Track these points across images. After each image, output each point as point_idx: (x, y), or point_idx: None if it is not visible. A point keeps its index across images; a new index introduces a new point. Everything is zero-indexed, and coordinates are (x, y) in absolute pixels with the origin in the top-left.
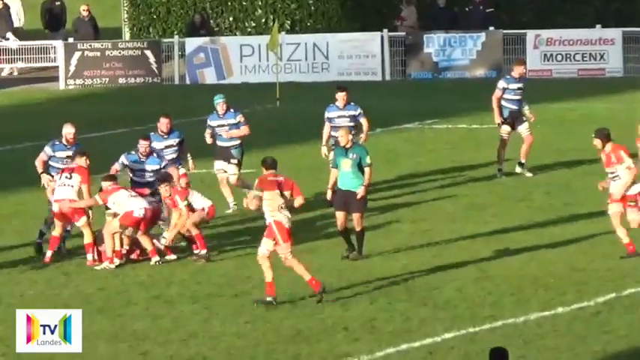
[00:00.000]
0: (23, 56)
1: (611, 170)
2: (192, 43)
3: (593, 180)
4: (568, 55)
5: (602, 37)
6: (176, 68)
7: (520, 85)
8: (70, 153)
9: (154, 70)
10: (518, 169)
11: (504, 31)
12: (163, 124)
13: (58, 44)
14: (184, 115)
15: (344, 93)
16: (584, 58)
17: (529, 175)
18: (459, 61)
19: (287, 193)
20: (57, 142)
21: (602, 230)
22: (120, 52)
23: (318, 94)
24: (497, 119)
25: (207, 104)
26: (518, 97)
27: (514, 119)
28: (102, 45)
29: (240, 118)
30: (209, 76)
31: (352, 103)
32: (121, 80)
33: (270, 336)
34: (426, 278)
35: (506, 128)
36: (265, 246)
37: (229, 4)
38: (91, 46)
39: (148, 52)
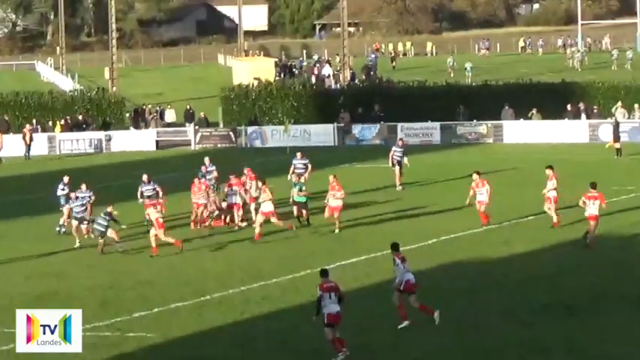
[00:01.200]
0: (175, 136)
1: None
2: (250, 128)
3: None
4: (416, 134)
5: (430, 126)
6: (243, 140)
7: (402, 149)
8: (86, 196)
9: (233, 140)
10: (398, 188)
11: (387, 124)
12: (206, 161)
13: (190, 129)
14: (245, 160)
15: (300, 152)
16: (423, 136)
17: (399, 188)
18: (368, 137)
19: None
20: (78, 194)
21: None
22: (218, 132)
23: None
24: (390, 164)
25: (252, 158)
26: (400, 155)
27: (399, 166)
28: (209, 130)
29: (213, 167)
30: (257, 143)
31: (305, 157)
32: (219, 145)
33: (274, 256)
34: (333, 234)
35: (395, 169)
36: (154, 231)
37: (265, 112)
38: (204, 130)
39: (231, 133)
